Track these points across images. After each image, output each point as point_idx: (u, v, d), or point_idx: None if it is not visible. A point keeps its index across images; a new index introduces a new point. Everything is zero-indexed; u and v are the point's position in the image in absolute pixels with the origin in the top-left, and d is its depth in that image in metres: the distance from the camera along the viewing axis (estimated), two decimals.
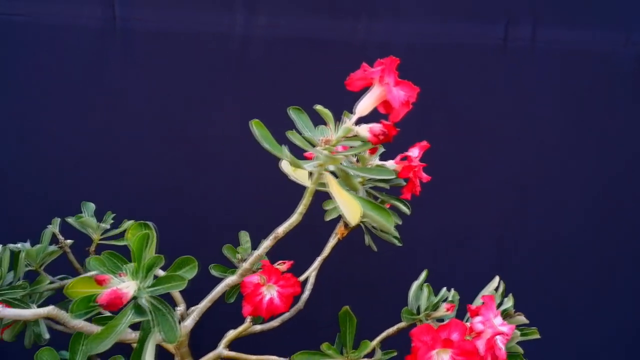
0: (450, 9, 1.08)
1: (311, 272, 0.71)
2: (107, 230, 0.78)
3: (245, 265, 0.54)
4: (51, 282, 0.73)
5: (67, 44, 1.11)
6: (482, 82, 1.09)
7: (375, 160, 0.63)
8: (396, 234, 0.70)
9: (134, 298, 0.43)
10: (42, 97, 1.11)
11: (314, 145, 0.48)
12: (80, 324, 0.49)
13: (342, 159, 0.45)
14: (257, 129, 0.48)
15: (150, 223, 0.52)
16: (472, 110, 1.09)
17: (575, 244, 1.14)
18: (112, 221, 0.79)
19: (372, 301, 0.95)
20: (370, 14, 1.08)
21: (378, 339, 0.58)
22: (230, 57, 1.09)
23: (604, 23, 1.07)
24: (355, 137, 0.48)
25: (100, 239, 0.78)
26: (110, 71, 1.14)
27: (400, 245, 0.71)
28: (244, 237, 0.76)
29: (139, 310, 0.42)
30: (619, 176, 1.13)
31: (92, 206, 0.79)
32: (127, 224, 0.80)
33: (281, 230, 0.51)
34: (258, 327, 0.70)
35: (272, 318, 0.69)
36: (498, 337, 0.49)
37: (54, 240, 0.80)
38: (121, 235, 0.80)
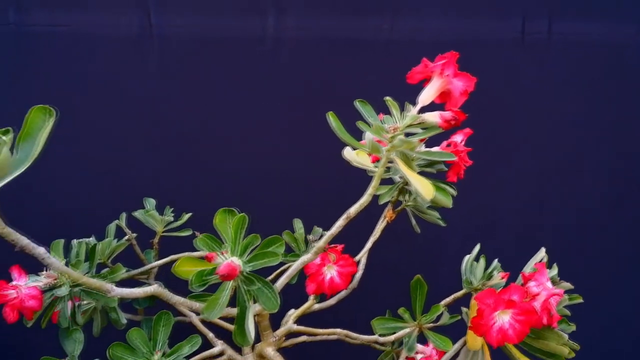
0: (469, 6, 1.14)
1: (363, 254, 0.77)
2: (169, 223, 0.84)
3: (320, 244, 0.59)
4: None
5: (105, 52, 1.17)
6: (502, 75, 1.15)
7: (422, 147, 0.69)
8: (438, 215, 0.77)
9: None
10: (84, 103, 1.16)
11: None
12: (180, 300, 0.55)
13: (416, 144, 0.50)
14: (333, 121, 0.54)
15: (234, 209, 0.58)
16: (494, 102, 1.15)
17: (593, 227, 1.21)
18: (172, 214, 0.85)
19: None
20: (394, 14, 1.14)
21: (443, 302, 0.64)
22: (263, 60, 1.15)
23: (617, 15, 1.13)
24: (420, 124, 0.54)
25: (163, 231, 0.84)
26: (148, 77, 1.20)
27: (445, 225, 0.77)
28: (298, 223, 0.82)
29: (248, 280, 0.48)
30: (635, 166, 1.19)
31: (153, 201, 0.85)
32: (187, 216, 0.86)
33: (353, 210, 0.57)
34: (317, 306, 0.76)
35: (331, 296, 0.75)
36: (552, 298, 0.55)
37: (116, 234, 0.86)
38: (181, 228, 0.86)
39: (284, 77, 1.14)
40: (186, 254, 0.59)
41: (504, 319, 0.55)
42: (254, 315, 0.55)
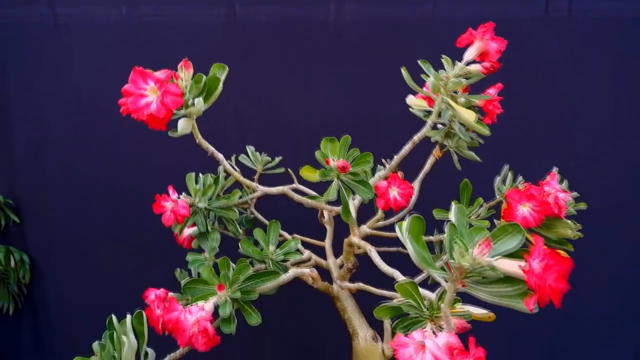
0: None
1: (418, 181, 1.01)
2: (267, 163, 1.10)
3: (393, 163, 0.83)
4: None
5: (198, 39, 1.43)
6: (527, 50, 1.36)
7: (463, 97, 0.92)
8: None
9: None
10: None
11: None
12: (302, 198, 0.81)
13: (465, 83, 0.74)
14: (405, 73, 0.78)
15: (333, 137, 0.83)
16: (519, 75, 1.37)
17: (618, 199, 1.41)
18: (268, 158, 1.10)
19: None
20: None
21: (483, 203, 0.88)
22: (328, 41, 1.40)
23: None
24: (466, 73, 0.77)
25: (262, 171, 1.10)
26: (233, 60, 1.46)
27: (481, 161, 1.00)
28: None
29: (352, 176, 0.74)
30: None
31: (252, 148, 1.11)
32: (278, 159, 1.12)
33: (417, 137, 0.82)
34: (381, 223, 1.01)
35: (395, 213, 1.00)
36: (560, 194, 0.79)
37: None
38: (274, 168, 1.11)
39: (348, 54, 1.38)
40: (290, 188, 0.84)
41: (525, 210, 0.78)
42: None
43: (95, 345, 0.68)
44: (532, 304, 0.44)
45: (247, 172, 1.11)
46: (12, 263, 1.48)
